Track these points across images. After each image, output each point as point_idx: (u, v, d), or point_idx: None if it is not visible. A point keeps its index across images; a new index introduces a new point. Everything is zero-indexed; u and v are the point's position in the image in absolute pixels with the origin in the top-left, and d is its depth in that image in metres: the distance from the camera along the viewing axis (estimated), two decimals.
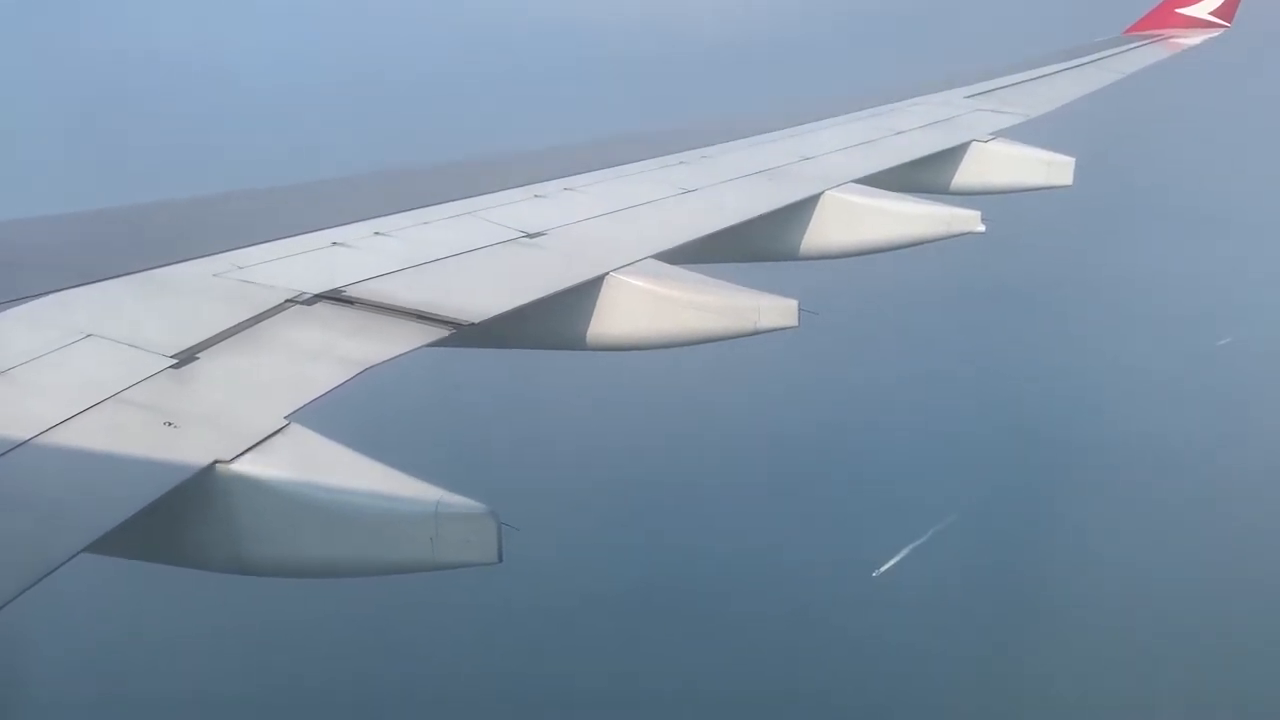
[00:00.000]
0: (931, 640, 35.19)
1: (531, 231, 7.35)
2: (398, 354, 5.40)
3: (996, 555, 39.28)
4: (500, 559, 4.22)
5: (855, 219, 8.93)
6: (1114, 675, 33.70)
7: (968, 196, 10.65)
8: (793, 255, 9.00)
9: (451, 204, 7.78)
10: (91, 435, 4.39)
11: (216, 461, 4.29)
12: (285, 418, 4.63)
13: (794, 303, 6.74)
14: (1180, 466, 45.08)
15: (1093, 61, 16.59)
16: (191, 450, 4.34)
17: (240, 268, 6.27)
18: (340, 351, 5.36)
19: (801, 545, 39.81)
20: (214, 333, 5.36)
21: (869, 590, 37.72)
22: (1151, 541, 39.99)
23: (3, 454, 4.18)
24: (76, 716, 31.97)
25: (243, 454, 4.34)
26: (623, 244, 7.27)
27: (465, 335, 5.76)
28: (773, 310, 6.72)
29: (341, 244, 6.84)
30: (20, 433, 4.31)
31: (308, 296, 5.89)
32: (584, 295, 6.70)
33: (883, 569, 38.78)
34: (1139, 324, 57.83)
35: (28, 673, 29.60)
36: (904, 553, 39.52)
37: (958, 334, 56.25)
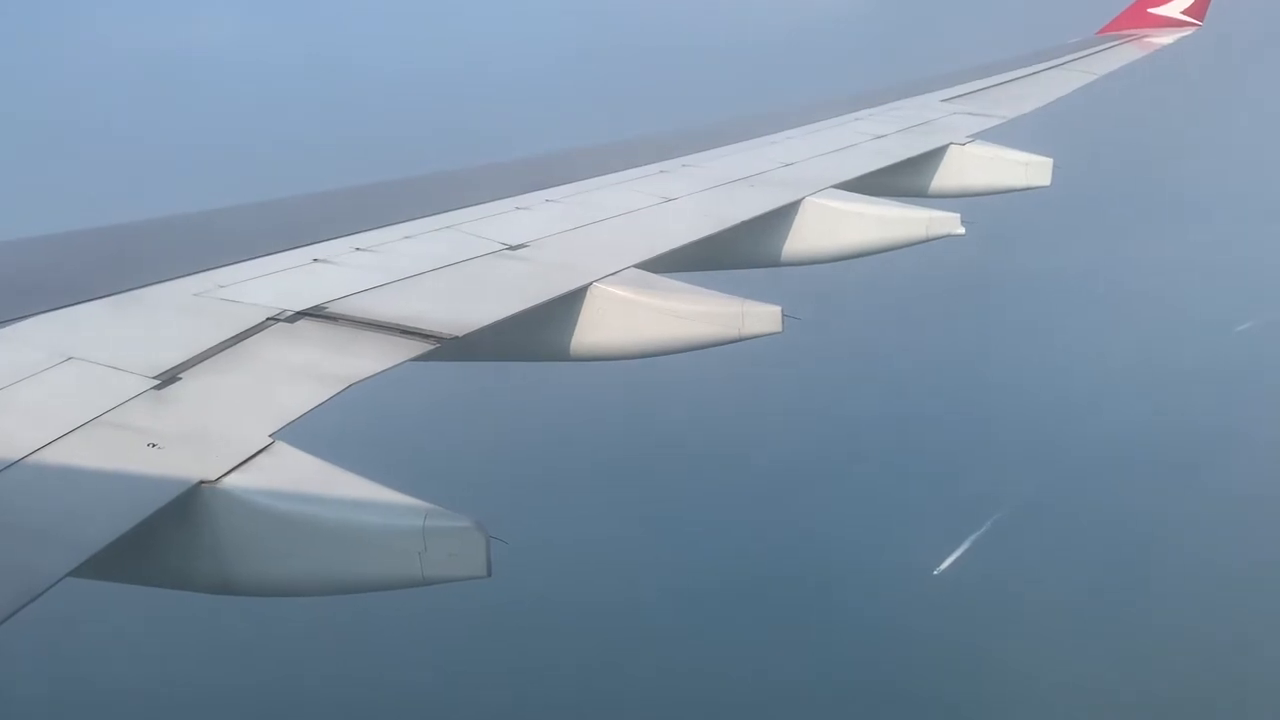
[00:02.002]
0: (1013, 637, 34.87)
1: (514, 244, 7.34)
2: (382, 369, 5.38)
3: (1043, 554, 39.14)
4: (489, 573, 4.20)
5: (836, 224, 8.97)
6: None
7: (947, 199, 10.72)
8: (775, 261, 9.02)
9: (432, 218, 7.77)
10: (74, 458, 4.35)
11: (201, 481, 4.26)
12: (270, 436, 4.60)
13: (778, 308, 6.75)
14: (1225, 454, 45.02)
15: (1068, 62, 16.73)
16: (176, 471, 4.31)
17: (221, 286, 6.24)
18: (323, 368, 5.33)
19: (839, 549, 39.42)
20: (196, 352, 5.33)
21: (936, 590, 37.45)
22: (1194, 530, 39.96)
23: None
24: None
25: (228, 473, 4.31)
26: (605, 254, 7.26)
27: (449, 349, 5.75)
28: (757, 316, 6.73)
29: (322, 260, 6.81)
30: (2, 457, 4.27)
31: (290, 314, 5.86)
32: (568, 306, 6.69)
33: (943, 566, 38.52)
34: (1148, 318, 57.94)
35: (11, 699, 29.33)
36: (964, 546, 39.19)
37: (945, 334, 56.41)
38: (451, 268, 6.85)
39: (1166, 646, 34.61)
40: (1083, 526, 40.97)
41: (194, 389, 5.02)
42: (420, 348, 5.63)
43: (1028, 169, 11.03)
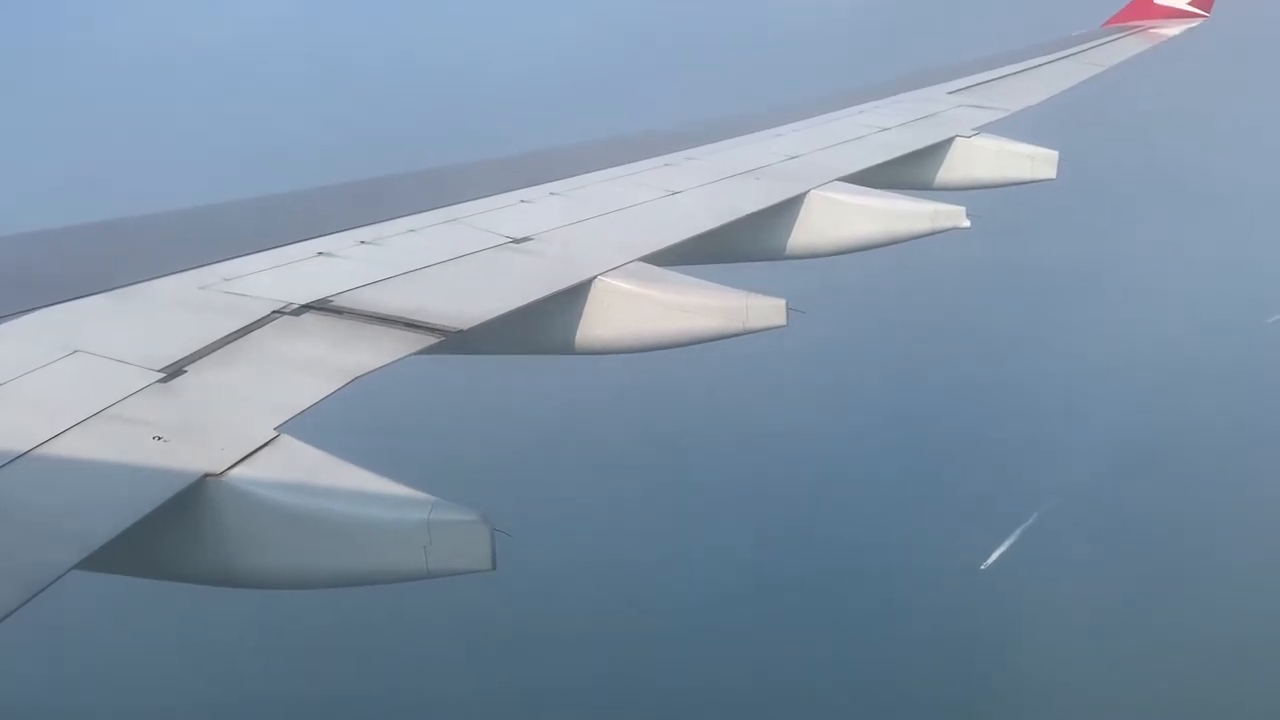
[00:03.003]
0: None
1: (518, 237, 7.35)
2: (386, 362, 5.39)
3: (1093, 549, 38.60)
4: (494, 566, 4.22)
5: (841, 217, 8.96)
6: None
7: (952, 192, 10.70)
8: (779, 255, 9.02)
9: (437, 211, 7.78)
10: (80, 451, 4.37)
11: (207, 474, 4.27)
12: (275, 429, 4.62)
13: (782, 301, 6.75)
14: (1270, 446, 44.56)
15: (1074, 54, 16.67)
16: (181, 464, 4.32)
17: (226, 280, 6.25)
18: (329, 361, 5.35)
19: (882, 547, 38.46)
20: (201, 345, 5.34)
21: (987, 585, 36.79)
22: (1239, 523, 39.52)
23: None
24: None
25: (233, 466, 4.33)
26: (610, 247, 7.27)
27: (454, 342, 5.76)
28: (761, 309, 6.74)
29: (327, 253, 6.82)
30: (9, 450, 4.29)
31: (295, 307, 5.87)
32: (572, 299, 6.70)
33: (990, 560, 37.89)
34: (1169, 312, 56.87)
35: (18, 691, 29.44)
36: (1012, 539, 38.58)
37: (951, 328, 56.06)
38: (456, 261, 6.86)
39: (1221, 642, 34.05)
40: (1128, 519, 40.14)
41: (199, 382, 5.03)
42: (425, 341, 5.65)
43: (1033, 162, 11.00)
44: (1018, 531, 39.46)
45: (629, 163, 9.40)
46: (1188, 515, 40.30)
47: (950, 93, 13.37)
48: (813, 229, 8.93)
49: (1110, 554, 38.55)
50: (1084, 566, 37.80)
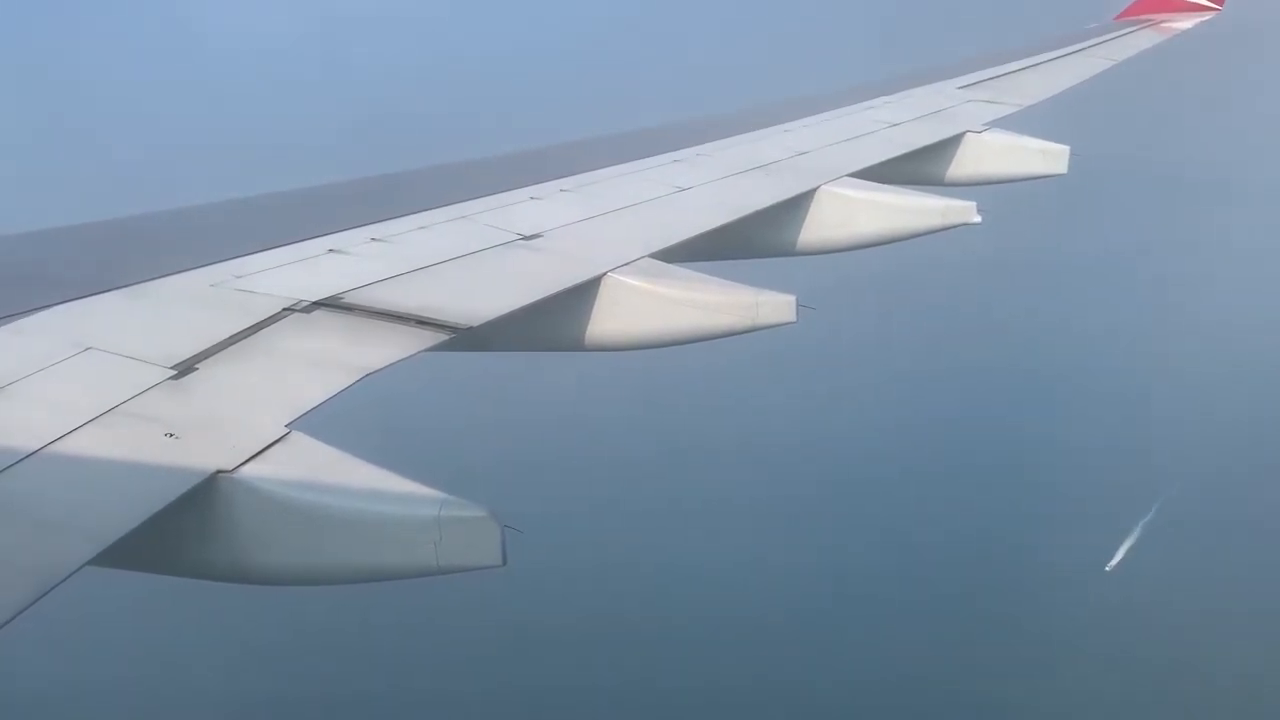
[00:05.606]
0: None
1: (528, 234, 7.36)
2: (397, 359, 5.41)
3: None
4: (504, 562, 4.23)
5: (851, 213, 8.95)
6: None
7: (963, 188, 10.68)
8: (789, 251, 9.02)
9: (447, 208, 7.79)
10: (93, 448, 4.39)
11: (219, 471, 4.29)
12: (286, 426, 4.64)
13: (792, 298, 6.75)
14: None
15: (1085, 48, 16.61)
16: (193, 460, 4.34)
17: (237, 277, 6.28)
18: (339, 358, 5.37)
19: (985, 554, 37.19)
20: (213, 342, 5.36)
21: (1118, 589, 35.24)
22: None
23: (5, 468, 4.18)
24: None
25: (244, 463, 4.35)
26: (620, 244, 7.28)
27: (464, 339, 5.77)
28: (771, 306, 6.74)
29: (338, 251, 6.84)
30: (22, 447, 4.31)
31: (306, 304, 5.89)
32: (582, 296, 6.71)
33: (1115, 560, 36.38)
34: (1181, 306, 56.33)
35: (30, 688, 29.59)
36: (1135, 535, 37.13)
37: (960, 326, 55.72)
38: (466, 258, 6.87)
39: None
40: (1250, 503, 38.82)
41: (211, 379, 5.05)
42: (435, 338, 5.66)
43: (1045, 157, 10.96)
44: (1139, 527, 37.80)
45: (638, 159, 9.40)
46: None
47: (961, 88, 13.33)
48: (823, 225, 8.92)
49: (1254, 540, 36.71)
50: (1223, 557, 36.04)
